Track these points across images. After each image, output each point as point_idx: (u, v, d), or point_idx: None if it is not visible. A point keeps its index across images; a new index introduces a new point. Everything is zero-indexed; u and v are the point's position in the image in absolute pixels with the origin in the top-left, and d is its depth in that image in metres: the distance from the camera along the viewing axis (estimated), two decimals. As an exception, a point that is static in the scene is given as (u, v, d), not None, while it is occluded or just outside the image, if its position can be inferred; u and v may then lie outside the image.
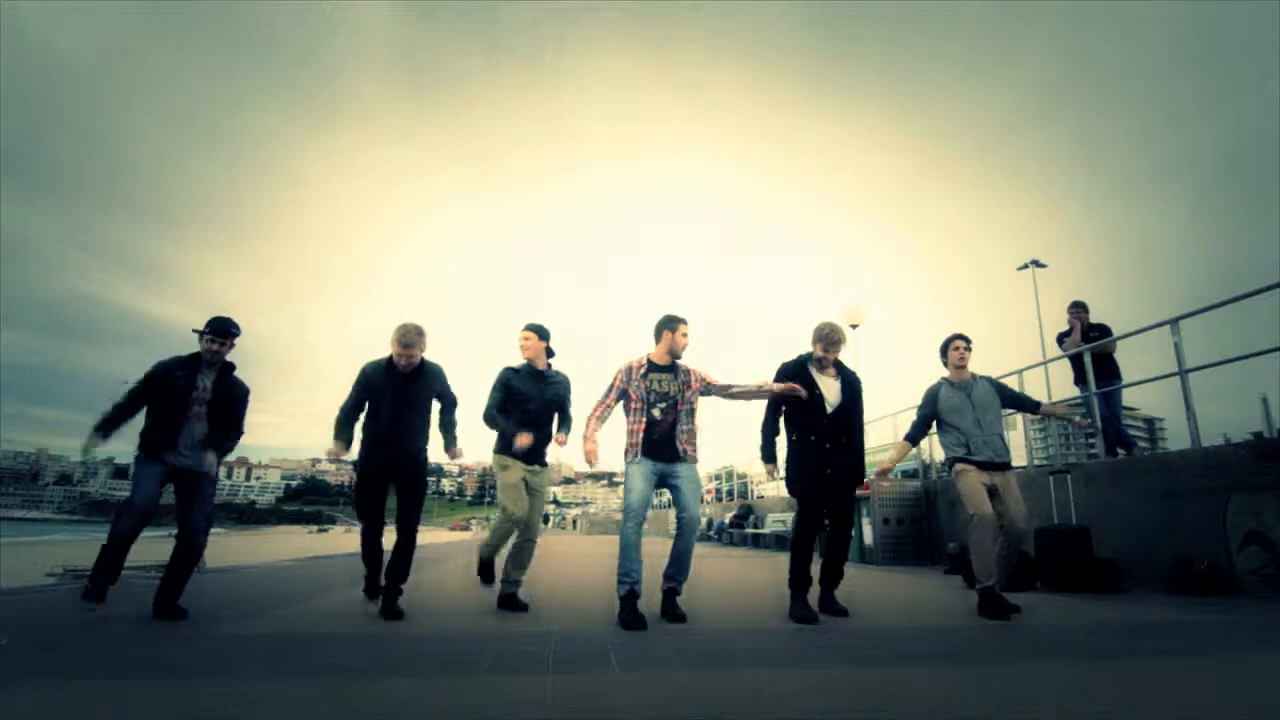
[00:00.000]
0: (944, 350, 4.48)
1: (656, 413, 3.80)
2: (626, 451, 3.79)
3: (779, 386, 3.92)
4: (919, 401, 4.52)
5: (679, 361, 3.93)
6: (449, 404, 4.06)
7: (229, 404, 3.82)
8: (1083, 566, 5.28)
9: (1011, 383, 6.84)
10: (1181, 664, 2.56)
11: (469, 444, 4.18)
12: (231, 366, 3.87)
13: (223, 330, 3.76)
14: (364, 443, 3.87)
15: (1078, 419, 4.97)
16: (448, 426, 4.06)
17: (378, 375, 3.86)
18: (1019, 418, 8.02)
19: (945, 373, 4.52)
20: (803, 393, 3.90)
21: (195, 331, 3.81)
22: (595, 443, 3.75)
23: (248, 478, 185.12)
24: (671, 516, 3.94)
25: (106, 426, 3.66)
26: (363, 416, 3.91)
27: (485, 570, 4.22)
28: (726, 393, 3.98)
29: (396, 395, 3.80)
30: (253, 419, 4.07)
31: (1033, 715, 1.82)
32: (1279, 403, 5.19)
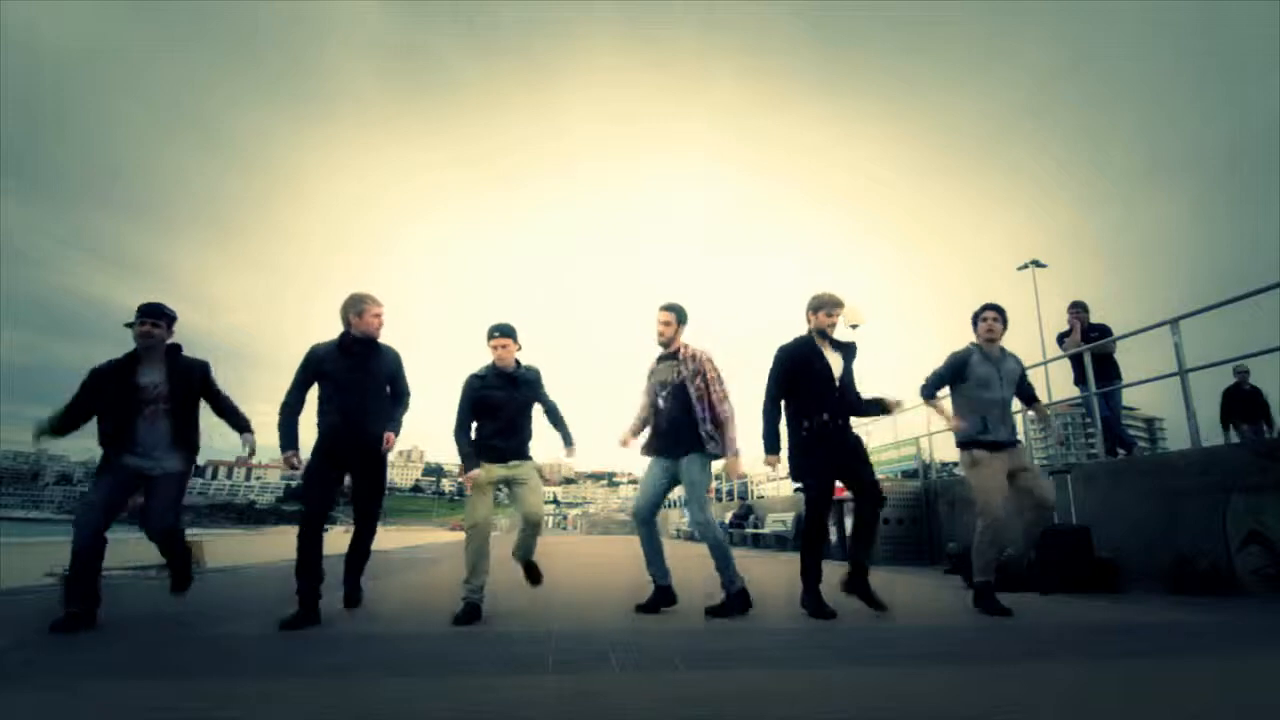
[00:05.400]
0: (974, 320, 4.20)
1: (660, 402, 3.82)
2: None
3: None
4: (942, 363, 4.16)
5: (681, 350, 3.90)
6: (399, 395, 3.78)
7: (197, 389, 3.68)
8: (1083, 566, 5.28)
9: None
10: (1181, 664, 2.56)
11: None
12: (177, 349, 3.66)
13: (152, 311, 3.53)
14: (322, 426, 3.57)
15: (1052, 426, 4.55)
16: (390, 417, 3.74)
17: (332, 356, 3.60)
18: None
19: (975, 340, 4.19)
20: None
21: (127, 325, 3.58)
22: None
23: (248, 478, 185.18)
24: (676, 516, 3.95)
25: (59, 429, 3.64)
26: (318, 405, 3.63)
27: (469, 615, 3.53)
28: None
29: (358, 374, 3.58)
30: (252, 419, 4.03)
31: (1033, 715, 1.82)
32: (1279, 403, 5.20)
